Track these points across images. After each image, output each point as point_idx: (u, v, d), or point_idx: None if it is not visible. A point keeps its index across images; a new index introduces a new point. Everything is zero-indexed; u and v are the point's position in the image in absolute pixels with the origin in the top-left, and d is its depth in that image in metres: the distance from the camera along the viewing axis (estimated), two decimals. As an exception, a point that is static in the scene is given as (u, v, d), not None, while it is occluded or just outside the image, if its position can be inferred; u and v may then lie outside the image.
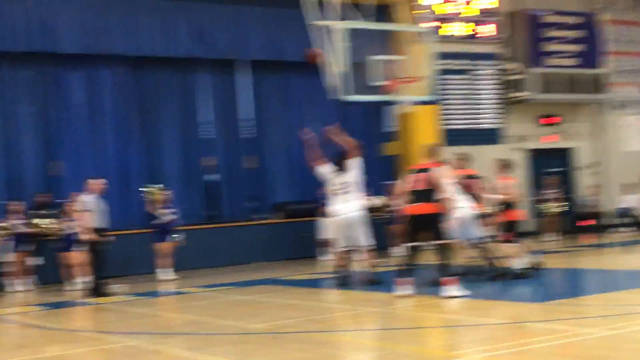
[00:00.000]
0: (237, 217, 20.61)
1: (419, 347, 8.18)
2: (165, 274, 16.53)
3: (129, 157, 19.39)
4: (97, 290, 14.27)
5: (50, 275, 17.07)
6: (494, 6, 22.95)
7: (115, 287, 15.07)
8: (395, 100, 17.17)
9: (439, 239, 11.21)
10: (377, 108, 22.31)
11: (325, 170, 13.24)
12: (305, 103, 21.72)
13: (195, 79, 20.51)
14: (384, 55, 17.27)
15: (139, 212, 19.31)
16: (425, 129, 20.48)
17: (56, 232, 16.36)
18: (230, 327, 9.95)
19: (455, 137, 21.89)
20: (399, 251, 18.80)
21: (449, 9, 22.25)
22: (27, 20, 17.78)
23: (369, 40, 16.82)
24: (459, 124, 22.64)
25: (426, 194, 11.16)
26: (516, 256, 12.71)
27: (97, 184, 14.65)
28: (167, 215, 16.97)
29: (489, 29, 23.02)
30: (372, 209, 19.82)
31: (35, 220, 16.68)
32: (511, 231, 12.79)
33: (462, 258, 13.27)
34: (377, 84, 16.79)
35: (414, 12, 20.36)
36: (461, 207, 12.09)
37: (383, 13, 20.00)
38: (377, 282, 13.15)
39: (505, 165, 13.21)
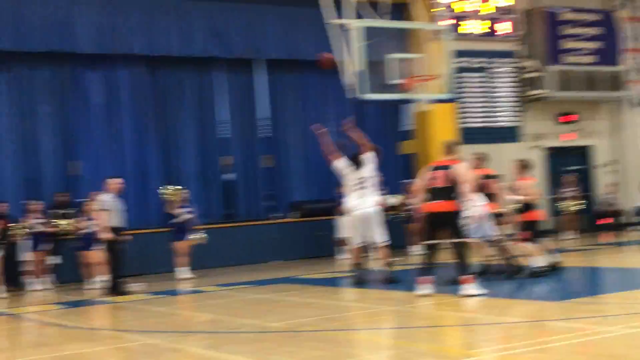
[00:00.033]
0: (254, 216, 20.64)
1: (436, 345, 8.17)
2: (183, 273, 16.57)
3: (146, 157, 19.46)
4: (115, 289, 14.33)
5: (68, 274, 17.17)
6: (511, 3, 22.86)
7: (133, 285, 15.13)
8: (412, 98, 17.13)
9: (458, 237, 11.16)
10: (394, 107, 22.29)
11: (341, 164, 13.23)
12: (321, 102, 21.72)
13: (212, 78, 20.55)
14: (401, 54, 17.22)
15: (156, 211, 19.39)
16: (442, 127, 20.43)
17: (75, 231, 16.44)
18: (248, 325, 9.97)
19: (472, 135, 21.82)
20: (417, 250, 18.86)
21: (466, 6, 22.19)
22: (45, 20, 17.87)
23: (386, 38, 16.77)
24: (476, 123, 22.58)
25: (445, 192, 11.07)
26: (535, 255, 12.66)
27: (115, 183, 14.70)
28: (183, 214, 17.00)
29: (506, 27, 22.93)
30: (389, 208, 19.89)
31: (55, 220, 16.76)
32: (530, 231, 12.73)
33: (479, 257, 13.22)
34: (394, 82, 16.74)
35: (431, 10, 20.31)
36: (476, 206, 12.05)
37: (400, 11, 19.96)
38: (394, 280, 13.13)
39: (524, 166, 13.15)
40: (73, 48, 18.29)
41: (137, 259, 17.73)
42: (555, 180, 23.13)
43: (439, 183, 11.11)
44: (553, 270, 12.98)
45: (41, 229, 16.31)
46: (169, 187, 16.83)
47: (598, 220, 22.66)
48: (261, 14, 20.31)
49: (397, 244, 20.09)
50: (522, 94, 23.24)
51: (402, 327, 9.39)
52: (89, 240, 15.96)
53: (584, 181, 23.61)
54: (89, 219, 15.95)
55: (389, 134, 22.69)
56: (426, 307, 10.53)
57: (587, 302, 10.21)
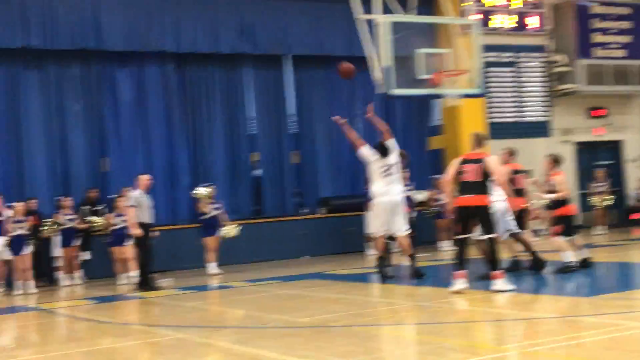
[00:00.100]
0: (282, 212, 20.67)
1: (466, 341, 8.13)
2: (213, 269, 16.64)
3: (175, 153, 19.56)
4: (144, 285, 14.42)
5: (98, 270, 17.32)
6: (540, -2, 22.73)
7: (162, 281, 15.22)
8: (440, 93, 17.05)
9: (490, 231, 11.08)
10: (423, 102, 22.23)
11: (368, 152, 13.19)
12: (348, 98, 21.70)
13: (240, 74, 20.60)
14: (430, 49, 17.16)
15: (185, 208, 19.49)
16: (471, 122, 20.33)
17: (105, 227, 16.57)
18: (277, 320, 9.99)
19: (501, 130, 21.72)
20: (447, 245, 18.82)
21: (495, 0, 22.07)
22: (75, 18, 18.01)
23: (414, 33, 16.72)
24: (506, 117, 22.46)
25: (477, 186, 10.94)
26: (566, 250, 12.56)
27: (144, 179, 14.79)
28: (212, 210, 17.04)
29: (535, 21, 22.77)
30: (417, 204, 19.85)
31: (86, 216, 16.90)
32: (562, 225, 12.63)
33: (506, 252, 13.15)
34: (423, 77, 16.69)
35: (459, 4, 20.21)
36: (498, 200, 11.95)
37: (428, 6, 19.92)
38: (420, 274, 13.09)
39: (555, 161, 13.04)
40: (103, 46, 18.41)
41: (166, 255, 17.84)
42: (585, 176, 22.95)
43: (472, 177, 10.98)
44: (583, 265, 12.88)
45: (72, 225, 16.45)
46: (201, 187, 16.83)
47: (631, 215, 22.44)
48: (288, 10, 20.33)
49: (427, 239, 20.13)
50: (552, 88, 23.08)
51: (431, 323, 9.36)
52: (119, 236, 16.10)
53: (615, 176, 23.41)
54: (119, 215, 16.08)
55: (418, 130, 22.64)
56: (455, 303, 10.49)
57: (618, 298, 10.12)
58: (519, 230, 12.71)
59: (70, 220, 16.42)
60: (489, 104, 21.99)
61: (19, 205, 15.72)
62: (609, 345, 7.31)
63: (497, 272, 10.90)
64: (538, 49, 22.97)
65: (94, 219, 16.82)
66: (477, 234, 11.50)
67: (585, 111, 23.65)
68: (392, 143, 13.15)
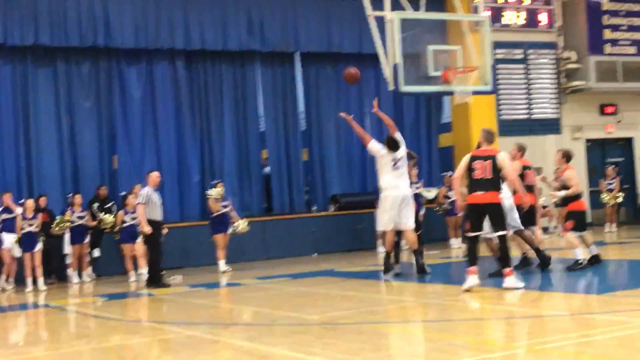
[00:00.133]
0: (292, 210, 20.66)
1: (477, 338, 8.11)
2: (222, 266, 16.64)
3: (185, 150, 19.56)
4: (154, 282, 14.44)
5: (108, 267, 17.36)
6: (550, -6, 22.65)
7: (172, 278, 15.24)
8: (451, 90, 16.98)
9: (502, 228, 11.02)
10: (433, 99, 22.19)
11: (377, 146, 13.17)
12: (357, 95, 21.68)
13: (250, 71, 20.58)
14: (440, 45, 17.10)
15: (195, 205, 19.51)
16: (481, 119, 20.26)
17: (116, 224, 16.60)
18: (287, 318, 9.98)
19: (511, 127, 21.68)
20: (457, 243, 18.79)
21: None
22: (84, 15, 18.02)
23: (425, 30, 16.65)
24: (516, 115, 22.40)
25: (490, 183, 10.88)
26: (577, 247, 12.51)
27: (154, 176, 14.80)
28: (221, 208, 16.99)
29: (546, 18, 22.70)
30: (427, 201, 19.83)
31: (98, 213, 16.93)
32: (574, 220, 12.59)
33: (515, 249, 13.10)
34: (433, 74, 16.64)
35: (470, 1, 20.14)
36: (503, 197, 11.88)
37: (438, 2, 19.87)
38: (426, 270, 13.08)
39: (566, 155, 12.99)
40: (112, 43, 18.43)
41: (176, 252, 17.88)
42: (595, 173, 22.88)
43: (483, 174, 10.92)
44: (593, 262, 12.83)
45: (81, 222, 16.47)
46: (213, 189, 16.80)
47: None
48: (297, 7, 20.32)
49: (437, 237, 20.10)
50: (562, 85, 23.00)
51: (441, 320, 9.34)
52: (129, 233, 16.13)
53: (625, 173, 23.32)
54: (129, 212, 16.11)
55: (428, 127, 22.61)
56: (466, 300, 10.46)
57: (629, 295, 10.06)
58: (522, 228, 12.65)
59: (80, 217, 16.44)
60: (499, 101, 21.94)
61: (29, 203, 15.75)
62: (620, 343, 7.28)
63: (507, 270, 10.86)
64: (548, 45, 22.90)
65: (104, 216, 16.86)
66: (486, 231, 11.44)
67: (596, 108, 23.56)
68: (399, 137, 13.16)
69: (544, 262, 12.65)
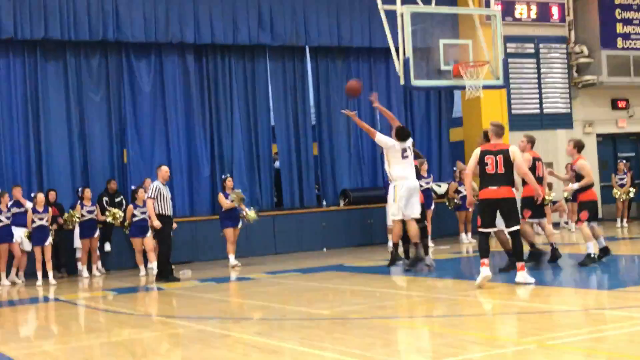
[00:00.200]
0: (302, 204, 20.64)
1: (487, 333, 8.07)
2: (232, 260, 16.63)
3: (195, 144, 19.55)
4: (164, 276, 14.44)
5: (118, 261, 17.39)
6: (562, -12, 22.54)
7: (181, 272, 15.24)
8: (461, 85, 16.93)
9: (515, 223, 10.96)
10: (444, 93, 22.14)
11: (385, 137, 13.14)
12: (367, 89, 21.57)
13: (259, 66, 20.54)
14: (451, 40, 17.05)
15: (205, 199, 19.51)
16: (492, 114, 20.20)
17: (126, 218, 16.61)
18: (297, 312, 9.97)
19: (522, 122, 21.61)
20: (467, 237, 18.74)
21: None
22: (94, 9, 18.02)
23: (436, 24, 16.61)
24: (527, 109, 22.32)
25: (502, 177, 10.80)
26: (590, 240, 12.46)
27: (164, 170, 14.80)
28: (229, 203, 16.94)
29: (557, 12, 22.60)
30: (438, 196, 19.80)
31: (106, 207, 16.96)
32: (587, 210, 12.53)
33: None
34: (443, 68, 16.59)
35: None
36: None
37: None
38: (420, 258, 13.05)
39: (578, 146, 12.92)
40: (122, 37, 18.43)
41: (186, 247, 17.89)
42: (607, 167, 22.79)
43: (498, 169, 10.84)
44: (602, 255, 12.76)
45: (91, 216, 16.49)
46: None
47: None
48: (307, 1, 20.27)
49: (448, 231, 20.08)
50: (574, 79, 22.91)
51: (451, 315, 9.31)
52: (139, 227, 16.14)
53: (637, 168, 23.23)
54: (139, 207, 16.12)
55: (439, 121, 22.55)
56: (476, 295, 10.41)
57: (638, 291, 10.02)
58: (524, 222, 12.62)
59: (89, 211, 16.46)
60: (510, 96, 21.86)
61: (40, 197, 15.78)
62: (630, 338, 7.24)
63: (520, 264, 10.80)
64: (560, 39, 22.81)
65: (111, 209, 16.87)
66: (497, 227, 11.40)
67: (607, 103, 23.46)
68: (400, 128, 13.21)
69: (536, 257, 12.56)
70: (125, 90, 19.00)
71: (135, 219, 16.22)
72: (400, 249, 14.04)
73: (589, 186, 12.67)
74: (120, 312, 11.29)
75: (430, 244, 18.05)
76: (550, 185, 18.92)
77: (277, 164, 21.11)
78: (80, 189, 16.87)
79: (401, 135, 13.02)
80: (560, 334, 7.57)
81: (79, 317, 11.69)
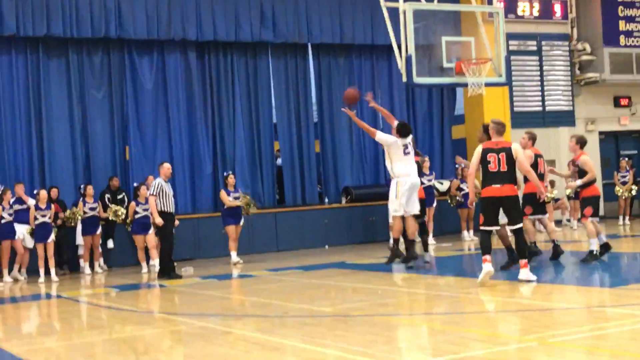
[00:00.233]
0: (304, 201, 20.64)
1: (489, 331, 8.08)
2: (234, 257, 16.64)
3: (197, 141, 19.55)
4: (166, 273, 14.45)
5: (120, 258, 17.40)
6: (564, -15, 22.52)
7: (183, 270, 15.25)
8: (464, 82, 16.91)
9: (518, 221, 10.95)
10: (446, 90, 22.12)
11: (385, 135, 13.12)
12: (370, 87, 21.62)
13: (261, 63, 20.53)
14: (453, 37, 17.04)
15: (207, 196, 19.51)
16: (494, 111, 20.20)
17: (128, 215, 16.62)
18: (299, 309, 9.97)
19: (525, 119, 21.58)
20: (469, 235, 18.74)
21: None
22: (96, 6, 18.01)
23: (438, 21, 16.60)
24: (529, 106, 22.30)
25: (506, 175, 10.78)
26: (593, 237, 12.46)
27: (166, 167, 14.80)
28: (233, 199, 16.92)
29: (559, 9, 22.57)
30: (440, 193, 19.79)
31: (108, 204, 16.97)
32: (591, 206, 12.54)
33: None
34: (446, 66, 16.57)
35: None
36: None
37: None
38: (414, 256, 13.05)
39: (580, 142, 12.92)
40: (124, 34, 18.42)
41: (188, 244, 17.90)
42: (609, 165, 22.77)
43: (501, 167, 10.81)
44: (604, 251, 12.76)
45: (94, 213, 16.50)
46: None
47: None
48: (310, -2, 20.28)
49: (450, 229, 20.08)
50: (576, 77, 22.88)
51: (453, 313, 9.31)
52: (141, 224, 16.14)
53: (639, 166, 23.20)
54: (141, 204, 16.12)
55: (441, 119, 22.54)
56: (477, 293, 10.41)
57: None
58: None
59: (92, 208, 16.47)
60: (513, 93, 21.84)
61: (43, 193, 15.78)
62: (632, 336, 7.24)
63: (523, 262, 10.80)
64: (562, 37, 22.78)
65: (113, 206, 16.88)
66: (498, 225, 11.39)
67: (610, 100, 23.43)
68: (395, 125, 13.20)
69: (530, 256, 12.52)
70: (128, 88, 19.00)
71: (137, 216, 16.21)
72: (402, 246, 14.02)
73: (592, 182, 12.68)
74: (122, 309, 11.30)
75: (432, 241, 18.09)
76: (552, 183, 18.90)
77: (279, 161, 21.11)
78: (82, 186, 16.87)
79: (402, 132, 13.01)
80: (562, 332, 7.58)
81: (81, 314, 11.70)
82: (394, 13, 16.40)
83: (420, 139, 22.12)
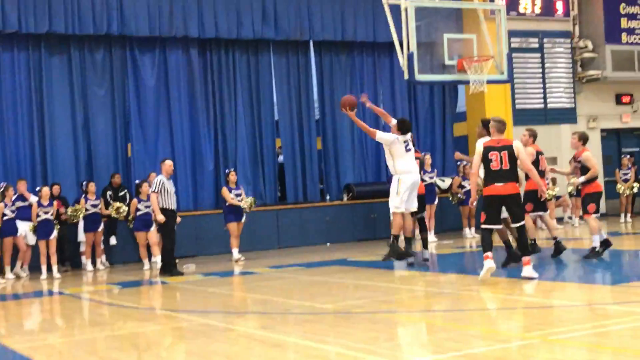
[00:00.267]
0: (305, 199, 20.66)
1: (490, 328, 8.08)
2: (236, 254, 16.65)
3: (199, 139, 19.56)
4: (168, 270, 14.46)
5: (122, 255, 17.42)
6: (566, -17, 22.49)
7: (185, 266, 15.27)
8: (465, 79, 16.91)
9: (520, 219, 10.95)
10: (448, 88, 22.12)
11: (385, 134, 13.10)
12: (372, 84, 21.64)
13: (263, 60, 20.53)
14: (455, 34, 17.04)
15: (209, 193, 19.52)
16: (496, 108, 20.19)
17: (130, 212, 16.63)
18: (301, 306, 9.98)
19: (527, 116, 21.58)
20: (471, 232, 18.74)
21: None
22: (98, 3, 18.02)
23: (440, 18, 16.60)
24: (531, 104, 22.29)
25: (508, 173, 10.75)
26: (596, 234, 12.46)
27: (167, 164, 14.80)
28: (234, 197, 16.91)
29: (561, 6, 22.56)
30: (441, 190, 19.79)
31: (110, 201, 16.98)
32: (593, 203, 12.54)
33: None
34: (447, 63, 16.57)
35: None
36: None
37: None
38: (408, 254, 13.05)
39: (582, 138, 12.91)
40: (126, 31, 18.43)
41: (190, 241, 17.91)
42: (611, 163, 22.76)
43: (501, 165, 10.80)
44: (604, 247, 12.76)
45: (95, 210, 16.51)
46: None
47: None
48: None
49: (451, 226, 20.08)
50: (578, 74, 22.87)
51: (455, 310, 9.31)
52: (143, 221, 16.16)
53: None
54: (143, 201, 16.13)
55: (443, 116, 22.54)
56: (479, 290, 10.42)
57: (643, 286, 10.04)
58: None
59: (94, 205, 16.48)
60: (515, 90, 21.83)
61: (45, 190, 15.79)
62: (634, 333, 7.24)
63: (526, 259, 10.80)
64: (564, 34, 22.76)
65: (115, 203, 16.90)
66: (500, 224, 11.40)
67: (611, 98, 23.43)
68: (395, 122, 13.17)
69: (514, 258, 12.50)
70: (129, 85, 19.02)
71: (139, 213, 16.23)
72: (402, 244, 14.00)
73: (594, 178, 12.69)
74: (124, 306, 11.31)
75: (434, 238, 18.11)
76: (554, 180, 18.90)
77: (280, 158, 21.11)
78: (84, 183, 16.89)
79: (402, 128, 12.98)
80: (564, 329, 7.58)
81: (83, 311, 11.71)
82: (395, 10, 16.41)
83: (422, 136, 22.12)
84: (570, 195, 19.97)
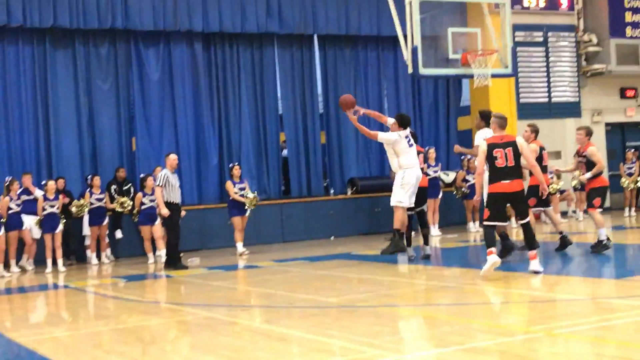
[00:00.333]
0: (309, 193, 20.66)
1: (494, 322, 8.10)
2: (240, 248, 16.67)
3: (203, 133, 19.58)
4: (173, 264, 14.50)
5: (127, 249, 17.46)
6: (571, -24, 22.43)
7: (190, 260, 15.30)
8: (470, 73, 16.89)
9: (525, 215, 10.94)
10: (452, 82, 22.09)
11: (385, 134, 13.09)
12: (375, 78, 21.63)
13: (267, 54, 20.52)
14: (459, 28, 17.02)
15: (213, 187, 19.55)
16: (501, 102, 20.17)
17: (135, 206, 16.66)
18: (305, 300, 10.00)
19: (531, 110, 21.55)
20: (475, 226, 18.74)
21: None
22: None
23: (444, 12, 16.59)
24: (536, 98, 22.26)
25: (513, 170, 10.72)
26: (602, 227, 12.46)
27: (172, 159, 14.83)
28: (238, 191, 16.91)
29: (566, 0, 22.50)
30: (445, 185, 19.79)
31: (117, 196, 17.02)
32: (599, 197, 12.54)
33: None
34: (452, 57, 16.55)
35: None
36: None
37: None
38: (402, 248, 13.04)
39: (588, 132, 12.91)
40: (131, 25, 18.43)
41: (194, 234, 17.94)
42: (615, 157, 22.73)
43: (506, 162, 10.74)
44: (607, 243, 12.77)
45: (100, 204, 16.55)
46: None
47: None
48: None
49: (455, 220, 20.08)
50: (582, 68, 22.83)
51: (459, 304, 9.33)
52: (148, 215, 16.19)
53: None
54: (148, 194, 16.16)
55: (447, 110, 22.53)
56: (482, 284, 10.43)
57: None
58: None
59: (98, 199, 16.52)
60: (519, 84, 21.80)
61: (51, 184, 15.83)
62: (638, 327, 7.26)
63: (533, 253, 10.80)
64: (569, 28, 22.70)
65: (120, 197, 16.93)
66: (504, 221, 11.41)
67: (616, 92, 23.38)
68: (391, 121, 13.14)
69: (509, 249, 12.48)
70: (134, 79, 19.03)
71: (143, 207, 16.26)
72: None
73: (600, 172, 12.69)
74: (129, 299, 11.35)
75: (438, 232, 18.11)
76: (558, 175, 18.88)
77: (284, 152, 21.12)
78: (89, 177, 16.92)
79: (403, 122, 12.96)
80: (568, 323, 7.60)
81: (88, 304, 11.76)
82: (399, 4, 16.39)
83: (426, 130, 22.12)
84: (575, 189, 19.96)
